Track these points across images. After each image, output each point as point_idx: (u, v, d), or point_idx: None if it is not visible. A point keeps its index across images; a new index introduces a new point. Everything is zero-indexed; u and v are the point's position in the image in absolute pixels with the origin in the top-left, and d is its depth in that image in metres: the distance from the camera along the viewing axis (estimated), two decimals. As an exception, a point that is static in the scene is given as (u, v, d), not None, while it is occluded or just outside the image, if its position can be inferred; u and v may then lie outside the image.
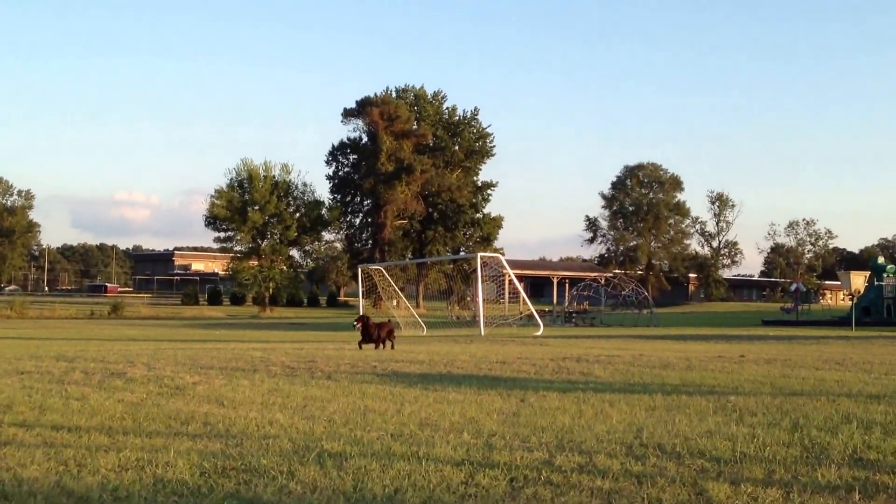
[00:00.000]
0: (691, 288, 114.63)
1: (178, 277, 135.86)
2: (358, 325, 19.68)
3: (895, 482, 5.17)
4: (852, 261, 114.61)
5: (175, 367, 12.29)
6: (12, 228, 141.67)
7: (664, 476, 5.32)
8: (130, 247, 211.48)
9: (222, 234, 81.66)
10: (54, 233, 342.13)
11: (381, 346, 19.06)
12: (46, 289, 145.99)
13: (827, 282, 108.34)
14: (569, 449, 6.19)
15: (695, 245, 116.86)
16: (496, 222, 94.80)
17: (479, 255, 38.91)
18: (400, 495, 4.82)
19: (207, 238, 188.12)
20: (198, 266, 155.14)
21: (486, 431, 6.95)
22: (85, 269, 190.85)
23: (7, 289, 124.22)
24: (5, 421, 7.34)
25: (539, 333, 30.45)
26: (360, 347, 18.54)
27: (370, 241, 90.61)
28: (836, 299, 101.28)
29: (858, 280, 49.52)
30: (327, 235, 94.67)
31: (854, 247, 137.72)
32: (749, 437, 6.72)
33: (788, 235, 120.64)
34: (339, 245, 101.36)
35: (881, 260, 50.65)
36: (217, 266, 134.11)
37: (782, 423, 7.47)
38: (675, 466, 5.62)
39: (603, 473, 5.38)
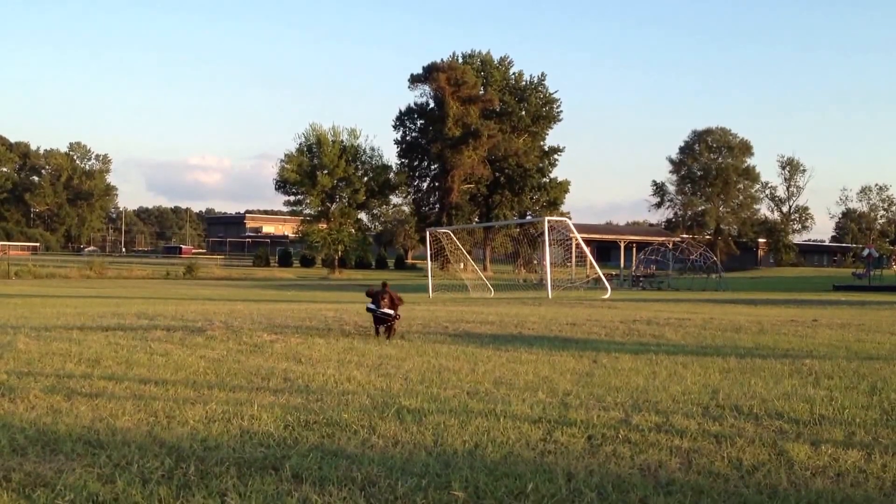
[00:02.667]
0: (760, 253, 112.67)
1: (250, 240, 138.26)
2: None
3: (979, 446, 5.11)
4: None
5: (252, 325, 12.60)
6: (91, 191, 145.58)
7: (743, 436, 5.33)
8: (203, 210, 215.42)
9: (292, 198, 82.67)
10: (130, 196, 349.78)
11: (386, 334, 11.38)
12: (123, 250, 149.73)
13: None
14: (644, 409, 6.23)
15: (764, 210, 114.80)
16: (563, 187, 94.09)
17: (547, 218, 38.80)
18: (480, 450, 4.91)
19: (278, 201, 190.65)
20: (268, 229, 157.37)
21: (560, 391, 7.02)
22: (160, 232, 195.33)
23: (86, 250, 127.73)
24: (95, 374, 7.63)
25: (607, 297, 30.34)
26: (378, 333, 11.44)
27: (437, 205, 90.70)
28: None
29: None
30: (395, 199, 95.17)
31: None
32: (827, 399, 6.68)
33: (861, 201, 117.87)
34: (406, 209, 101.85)
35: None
36: (287, 229, 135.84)
37: (860, 386, 7.41)
38: (753, 427, 5.63)
39: (681, 433, 5.42)
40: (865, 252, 60.15)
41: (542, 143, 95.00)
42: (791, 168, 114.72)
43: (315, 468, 4.38)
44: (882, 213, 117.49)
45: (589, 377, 7.90)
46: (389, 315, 11.26)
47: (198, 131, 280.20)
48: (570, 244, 42.51)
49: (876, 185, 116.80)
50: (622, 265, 70.52)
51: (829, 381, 7.69)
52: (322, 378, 7.61)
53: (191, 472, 4.25)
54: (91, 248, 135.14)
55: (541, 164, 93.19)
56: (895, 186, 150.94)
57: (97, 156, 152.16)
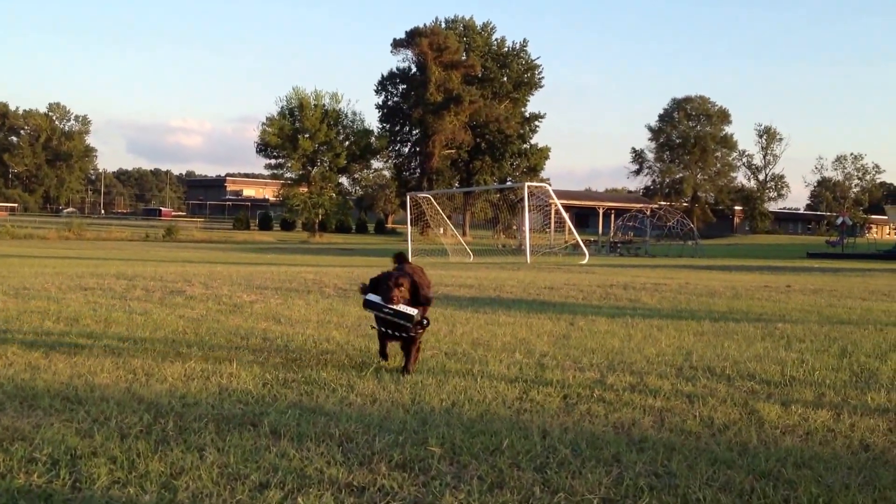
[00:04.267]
0: (736, 220, 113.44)
1: (230, 203, 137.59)
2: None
3: (945, 407, 5.23)
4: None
5: (231, 286, 12.60)
6: (70, 153, 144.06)
7: (715, 396, 5.43)
8: (184, 172, 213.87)
9: (273, 161, 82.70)
10: (110, 158, 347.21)
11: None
12: (103, 212, 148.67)
13: (873, 216, 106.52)
14: (619, 370, 6.32)
15: (741, 178, 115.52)
16: (543, 153, 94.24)
17: (527, 184, 38.87)
18: (457, 408, 4.98)
19: (259, 165, 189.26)
20: (249, 192, 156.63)
21: (537, 352, 7.10)
22: (140, 194, 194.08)
23: (65, 211, 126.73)
24: (73, 332, 7.64)
25: (584, 262, 30.49)
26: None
27: (418, 170, 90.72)
28: (882, 233, 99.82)
29: (906, 214, 48.76)
30: (376, 164, 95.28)
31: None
32: (798, 361, 6.80)
33: (836, 169, 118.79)
34: (387, 173, 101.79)
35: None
36: (268, 192, 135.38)
37: (831, 349, 7.53)
38: (725, 388, 5.73)
39: (654, 393, 5.51)
40: (839, 220, 60.70)
41: (523, 109, 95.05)
42: (768, 136, 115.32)
43: (293, 424, 4.42)
44: (856, 181, 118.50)
45: (565, 339, 7.98)
46: (408, 318, 5.91)
47: (179, 94, 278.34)
48: (550, 210, 42.67)
49: (851, 154, 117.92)
50: (600, 231, 70.82)
51: (800, 345, 7.82)
52: (301, 338, 7.65)
53: (169, 428, 4.29)
54: (70, 209, 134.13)
55: (521, 131, 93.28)
56: (870, 155, 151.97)
57: (77, 117, 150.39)
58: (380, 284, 5.98)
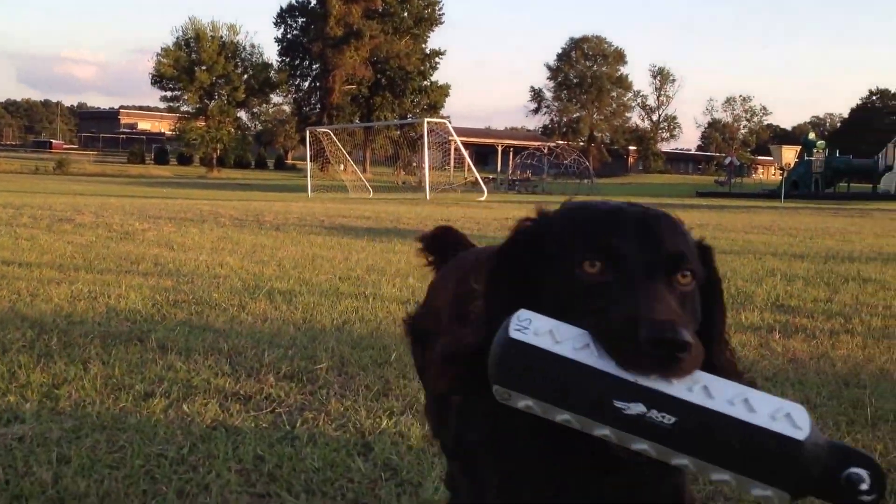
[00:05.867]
0: (631, 160, 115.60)
1: (125, 136, 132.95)
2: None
3: (812, 324, 5.53)
4: (785, 137, 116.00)
5: (123, 216, 12.32)
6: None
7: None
8: (75, 104, 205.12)
9: (169, 94, 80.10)
10: None
11: None
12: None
13: (760, 157, 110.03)
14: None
15: (635, 118, 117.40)
16: (443, 90, 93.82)
17: (426, 120, 38.74)
18: (348, 327, 5.03)
19: (154, 97, 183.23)
20: (144, 125, 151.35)
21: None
22: (29, 126, 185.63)
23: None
24: (-48, 257, 7.38)
25: (483, 199, 30.72)
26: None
27: (318, 106, 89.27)
28: (768, 174, 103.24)
29: (789, 154, 50.55)
30: (275, 98, 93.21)
31: (787, 124, 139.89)
32: (680, 285, 7.06)
33: (725, 111, 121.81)
34: (287, 108, 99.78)
35: (812, 136, 51.59)
36: (164, 126, 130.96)
37: (712, 275, 7.84)
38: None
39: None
40: (728, 160, 62.54)
41: (423, 45, 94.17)
42: (661, 77, 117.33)
43: (181, 340, 4.41)
44: (745, 123, 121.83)
45: (458, 265, 8.08)
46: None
47: (72, 23, 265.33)
48: (450, 147, 42.73)
49: (740, 96, 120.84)
50: (499, 169, 71.34)
51: (683, 271, 8.11)
52: (194, 263, 7.57)
53: (53, 343, 4.22)
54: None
55: (422, 67, 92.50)
56: (758, 97, 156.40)
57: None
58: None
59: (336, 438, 2.97)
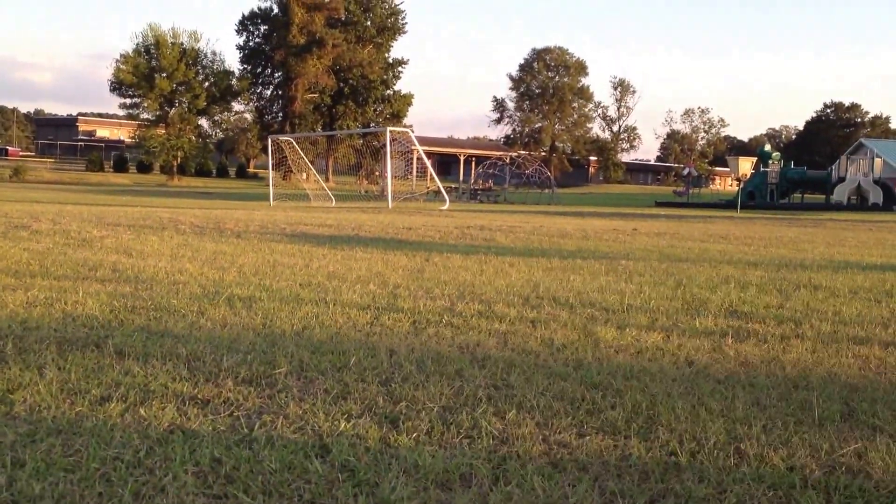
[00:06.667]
0: (591, 170, 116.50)
1: (83, 143, 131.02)
2: None
3: (764, 329, 5.65)
4: (742, 148, 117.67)
5: (81, 223, 12.18)
6: None
7: (557, 321, 5.68)
8: (32, 111, 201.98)
9: (128, 101, 79.36)
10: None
11: None
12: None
13: (717, 168, 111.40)
14: (469, 299, 6.51)
15: (596, 129, 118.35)
16: (406, 100, 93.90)
17: (389, 129, 38.75)
18: (308, 332, 5.04)
19: (113, 104, 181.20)
20: (103, 133, 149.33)
21: (391, 283, 7.22)
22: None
23: None
24: None
25: (445, 208, 30.80)
26: None
27: (280, 114, 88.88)
28: (725, 184, 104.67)
29: (745, 165, 51.37)
30: (237, 106, 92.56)
31: (744, 135, 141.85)
32: (636, 292, 7.16)
33: (684, 122, 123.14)
34: (249, 116, 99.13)
35: (767, 147, 52.46)
36: (123, 133, 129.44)
37: (667, 282, 7.96)
38: (567, 314, 5.99)
39: (501, 318, 5.71)
40: (686, 171, 63.11)
41: (386, 55, 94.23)
42: (622, 89, 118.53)
43: (139, 345, 4.39)
44: (703, 134, 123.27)
45: (420, 273, 8.12)
46: None
47: (28, 28, 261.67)
48: (412, 156, 42.72)
49: (699, 108, 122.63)
50: (461, 178, 71.51)
51: (640, 278, 8.22)
52: (153, 270, 7.52)
53: (8, 349, 4.19)
54: None
55: (385, 77, 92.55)
56: (716, 109, 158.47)
57: None
58: None
59: (294, 441, 2.99)
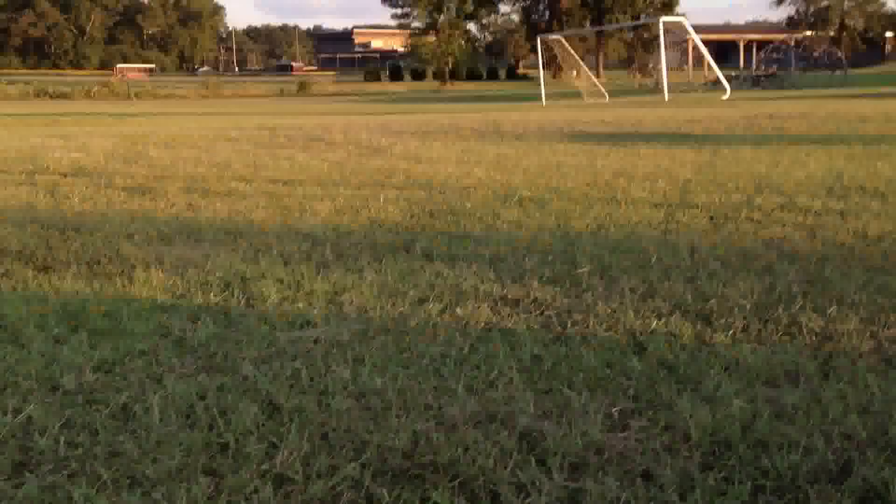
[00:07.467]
0: (888, 48, 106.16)
1: (360, 55, 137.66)
2: None
3: None
4: None
5: (369, 132, 12.82)
6: (199, 11, 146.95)
7: (868, 212, 5.28)
8: (311, 27, 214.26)
9: (399, 11, 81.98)
10: (239, 15, 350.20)
11: None
12: (236, 69, 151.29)
13: None
14: (767, 192, 6.19)
15: (892, 3, 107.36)
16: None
17: (662, 19, 37.25)
18: (603, 231, 5.02)
19: (385, 15, 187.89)
20: (377, 44, 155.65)
21: (680, 179, 7.01)
22: (270, 50, 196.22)
23: (200, 70, 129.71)
24: (226, 176, 7.99)
25: (726, 97, 29.40)
26: None
27: (547, 12, 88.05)
28: None
29: None
30: (504, 8, 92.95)
31: None
32: (961, 178, 6.49)
33: None
34: (516, 17, 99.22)
35: None
36: (396, 43, 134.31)
37: None
38: (879, 204, 5.55)
39: (805, 211, 5.39)
40: None
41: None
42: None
43: (444, 248, 4.56)
44: None
45: (710, 167, 7.83)
46: None
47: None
48: (687, 46, 41.02)
49: None
50: (742, 65, 67.73)
51: (963, 163, 7.45)
52: (443, 175, 7.78)
53: (328, 254, 4.50)
54: (205, 68, 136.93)
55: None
56: None
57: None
58: None
59: (608, 338, 3.00)
